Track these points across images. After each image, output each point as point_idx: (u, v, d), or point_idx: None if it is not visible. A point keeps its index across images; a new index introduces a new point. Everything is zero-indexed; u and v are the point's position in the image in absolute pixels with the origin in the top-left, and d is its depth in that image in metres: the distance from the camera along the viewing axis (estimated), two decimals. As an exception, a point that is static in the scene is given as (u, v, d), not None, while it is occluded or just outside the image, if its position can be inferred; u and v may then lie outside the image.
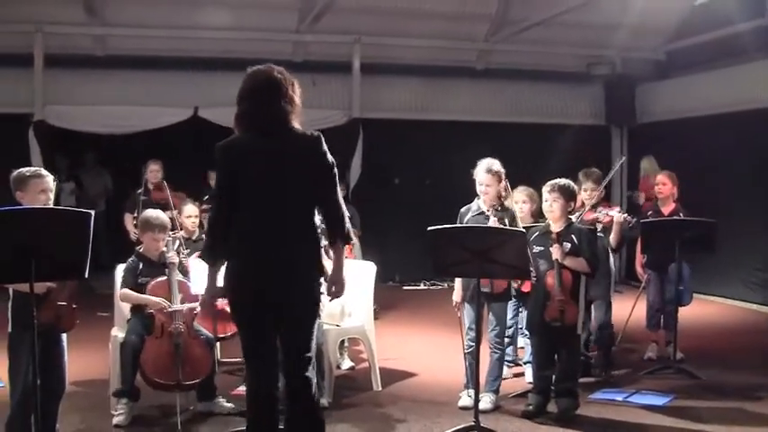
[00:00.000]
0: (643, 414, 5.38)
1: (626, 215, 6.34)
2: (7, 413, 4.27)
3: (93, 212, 3.80)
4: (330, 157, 3.98)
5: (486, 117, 11.46)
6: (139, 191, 8.25)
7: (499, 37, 11.32)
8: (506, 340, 5.91)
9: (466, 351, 5.47)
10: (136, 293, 5.24)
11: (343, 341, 6.43)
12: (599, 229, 6.17)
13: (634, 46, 11.61)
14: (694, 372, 6.27)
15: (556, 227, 5.38)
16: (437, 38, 11.03)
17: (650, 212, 6.99)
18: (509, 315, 5.90)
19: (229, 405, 5.33)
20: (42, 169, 4.45)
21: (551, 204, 5.35)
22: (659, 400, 5.63)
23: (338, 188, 4.07)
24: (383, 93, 11.32)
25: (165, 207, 6.76)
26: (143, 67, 10.44)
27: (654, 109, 11.54)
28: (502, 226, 5.23)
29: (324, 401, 5.15)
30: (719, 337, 8.04)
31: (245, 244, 3.91)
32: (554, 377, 5.36)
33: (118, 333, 5.41)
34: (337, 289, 4.09)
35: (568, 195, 5.38)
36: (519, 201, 6.10)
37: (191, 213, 6.71)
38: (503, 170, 5.49)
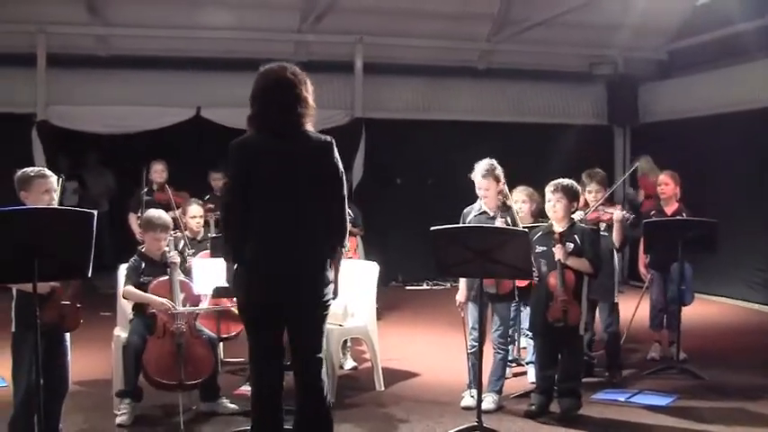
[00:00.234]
0: (646, 414, 5.37)
1: (624, 212, 6.32)
2: (10, 413, 4.28)
3: (95, 212, 3.81)
4: (340, 166, 3.98)
5: (489, 117, 11.45)
6: (143, 191, 8.25)
7: (501, 37, 11.32)
8: (506, 339, 5.90)
9: (469, 351, 5.45)
10: (139, 291, 5.24)
11: (345, 341, 6.43)
12: (602, 229, 6.15)
13: (636, 46, 11.61)
14: (697, 372, 6.27)
15: (559, 227, 5.37)
16: (439, 38, 11.04)
17: (653, 212, 6.96)
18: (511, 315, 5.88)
19: (232, 405, 5.33)
20: (46, 169, 4.46)
21: (554, 204, 5.33)
22: (662, 401, 5.62)
23: (344, 195, 4.01)
24: (385, 93, 11.31)
25: (168, 207, 6.76)
26: (145, 67, 10.45)
27: (656, 109, 11.52)
28: (506, 226, 5.22)
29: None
30: (722, 337, 8.03)
31: (256, 244, 3.90)
32: (557, 377, 5.35)
33: (121, 333, 5.41)
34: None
35: (571, 195, 5.36)
36: (518, 200, 6.07)
37: (195, 213, 6.72)
38: (500, 170, 5.46)
